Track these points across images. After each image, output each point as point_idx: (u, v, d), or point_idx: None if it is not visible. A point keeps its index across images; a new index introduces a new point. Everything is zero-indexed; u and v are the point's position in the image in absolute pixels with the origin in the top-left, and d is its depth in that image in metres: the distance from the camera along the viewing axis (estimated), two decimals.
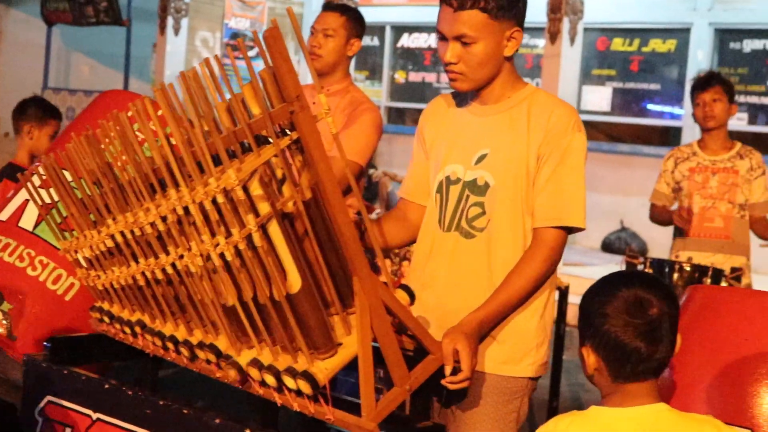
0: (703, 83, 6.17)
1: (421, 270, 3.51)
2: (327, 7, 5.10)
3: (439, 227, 3.47)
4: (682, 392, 2.91)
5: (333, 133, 2.78)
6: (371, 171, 14.92)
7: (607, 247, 13.37)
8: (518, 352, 3.34)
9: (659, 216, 6.35)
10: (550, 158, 3.29)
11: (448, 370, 3.04)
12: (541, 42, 13.18)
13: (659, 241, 12.57)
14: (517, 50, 3.38)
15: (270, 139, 2.73)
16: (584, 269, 11.66)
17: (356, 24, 5.04)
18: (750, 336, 2.86)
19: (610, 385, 2.56)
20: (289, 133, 2.73)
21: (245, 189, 2.74)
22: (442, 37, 3.35)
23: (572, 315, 10.05)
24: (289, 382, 2.83)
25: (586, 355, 2.59)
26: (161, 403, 3.18)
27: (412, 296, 3.10)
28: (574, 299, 10.45)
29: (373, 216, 8.67)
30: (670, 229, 6.38)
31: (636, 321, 2.50)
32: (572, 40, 11.71)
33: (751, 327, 2.89)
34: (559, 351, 5.98)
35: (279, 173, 2.86)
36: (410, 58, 16.65)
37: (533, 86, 3.48)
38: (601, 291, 2.60)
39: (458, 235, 3.42)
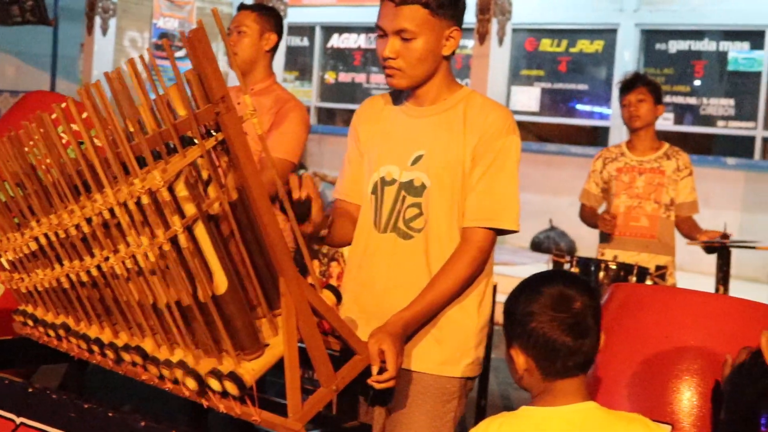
0: (629, 84, 6.23)
1: (357, 270, 3.51)
2: (240, 7, 5.15)
3: (374, 228, 3.47)
4: (606, 389, 2.95)
5: (259, 134, 2.78)
6: (301, 172, 14.91)
7: (536, 246, 13.47)
8: (457, 352, 3.35)
9: (588, 217, 6.41)
10: (484, 159, 3.31)
11: (374, 369, 3.04)
12: (470, 42, 13.24)
13: (588, 240, 12.69)
14: (455, 50, 3.40)
15: (195, 141, 2.72)
16: (514, 268, 11.75)
17: (269, 18, 5.05)
18: (671, 333, 2.90)
19: (540, 384, 2.57)
20: (214, 134, 2.72)
21: (170, 190, 2.73)
22: (382, 34, 3.36)
23: (500, 314, 10.13)
24: (214, 383, 2.82)
25: (515, 356, 2.60)
26: (86, 406, 3.15)
27: (338, 297, 3.11)
28: (503, 298, 10.53)
29: None
30: (598, 229, 6.44)
31: (562, 315, 2.51)
32: (501, 40, 11.77)
33: (673, 324, 2.93)
34: (488, 350, 6.01)
35: (205, 174, 2.85)
36: (340, 58, 16.64)
37: (469, 88, 3.49)
38: (524, 291, 2.62)
39: (395, 236, 3.42)
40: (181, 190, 2.74)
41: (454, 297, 3.31)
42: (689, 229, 6.18)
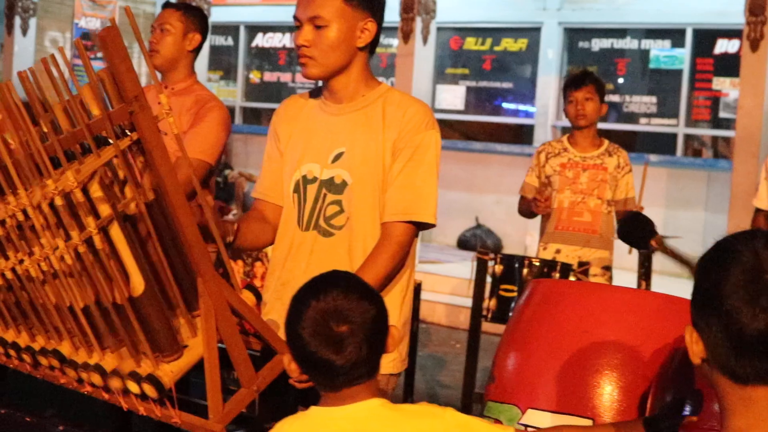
0: (577, 81, 6.27)
1: (280, 269, 3.51)
2: (165, 5, 5.10)
3: (297, 227, 3.48)
4: (526, 385, 2.95)
5: (175, 134, 2.75)
6: (227, 171, 14.82)
7: (463, 244, 13.52)
8: None
9: (526, 208, 6.41)
10: (403, 154, 3.33)
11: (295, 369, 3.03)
12: (395, 41, 13.25)
13: (514, 238, 12.79)
14: (369, 44, 3.41)
15: (110, 141, 2.69)
16: (440, 266, 11.77)
17: (194, 18, 5.01)
18: (590, 328, 2.92)
19: (322, 390, 2.54)
20: (129, 133, 2.70)
21: (85, 191, 2.70)
22: (299, 25, 3.39)
23: (426, 311, 10.16)
24: (132, 386, 2.79)
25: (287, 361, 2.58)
26: (3, 411, 3.11)
27: (258, 297, 3.09)
28: (431, 296, 10.55)
29: (230, 217, 8.61)
30: (525, 226, 6.47)
31: (324, 339, 2.43)
32: (425, 39, 11.80)
33: (592, 319, 2.95)
34: (414, 347, 6.02)
35: (122, 175, 2.82)
36: (265, 57, 16.58)
37: (388, 85, 3.53)
38: (297, 304, 2.51)
39: (317, 233, 3.43)
40: (96, 191, 2.71)
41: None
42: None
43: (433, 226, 3.40)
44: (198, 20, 5.03)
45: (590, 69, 13.34)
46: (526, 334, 3.04)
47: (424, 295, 10.27)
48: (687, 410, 2.51)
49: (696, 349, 1.92)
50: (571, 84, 6.29)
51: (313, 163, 3.46)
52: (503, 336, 3.15)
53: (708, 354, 1.90)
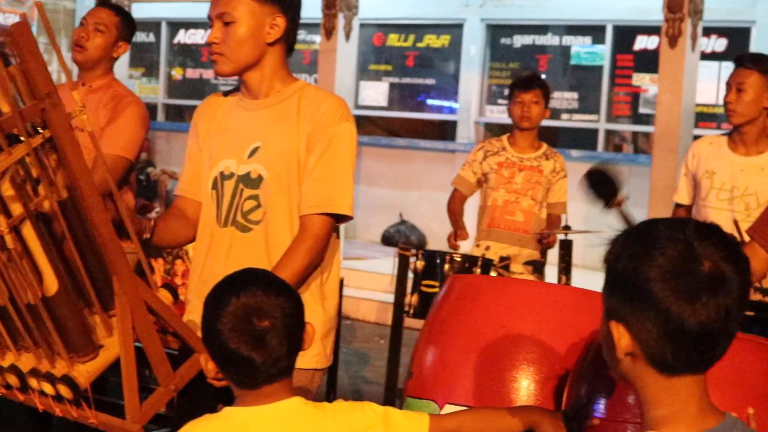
0: (526, 83, 6.32)
1: (201, 267, 3.51)
2: (103, 3, 5.04)
3: (216, 223, 3.48)
4: (444, 380, 2.96)
5: (89, 131, 2.73)
6: (149, 169, 14.70)
7: (387, 240, 13.54)
8: None
9: (453, 207, 6.42)
10: (317, 147, 3.36)
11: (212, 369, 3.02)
12: (318, 38, 13.22)
13: (438, 234, 12.81)
14: (284, 40, 3.43)
15: (21, 138, 2.65)
16: (364, 263, 11.78)
17: (128, 27, 4.99)
18: (507, 323, 2.93)
19: (237, 389, 2.51)
20: (41, 131, 2.66)
21: None
22: (212, 24, 3.42)
23: (350, 308, 10.16)
24: (47, 387, 2.76)
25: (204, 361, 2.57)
26: None
27: (175, 296, 3.07)
28: (355, 292, 10.54)
29: (153, 215, 8.54)
30: (448, 222, 6.50)
31: (244, 335, 2.42)
32: (347, 35, 11.78)
33: (508, 314, 2.96)
34: (337, 344, 6.01)
35: (34, 173, 2.78)
36: (187, 54, 16.46)
37: (304, 81, 3.56)
38: (214, 302, 2.50)
39: (235, 229, 3.44)
40: (7, 189, 2.67)
41: (295, 287, 3.32)
42: (550, 227, 6.30)
43: (350, 218, 3.42)
44: (131, 31, 5.02)
45: (512, 66, 13.57)
46: (444, 330, 3.04)
47: (348, 292, 10.31)
48: (598, 410, 2.54)
49: (623, 344, 1.87)
50: (519, 85, 6.34)
51: (230, 159, 3.47)
52: (421, 332, 3.16)
53: (637, 348, 1.86)
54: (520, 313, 2.96)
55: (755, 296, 5.06)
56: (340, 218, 3.41)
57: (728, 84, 5.22)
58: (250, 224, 3.41)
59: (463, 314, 3.04)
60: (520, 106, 6.25)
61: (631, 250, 1.87)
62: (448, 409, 2.88)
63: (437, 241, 12.75)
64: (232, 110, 3.55)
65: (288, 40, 3.49)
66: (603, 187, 5.25)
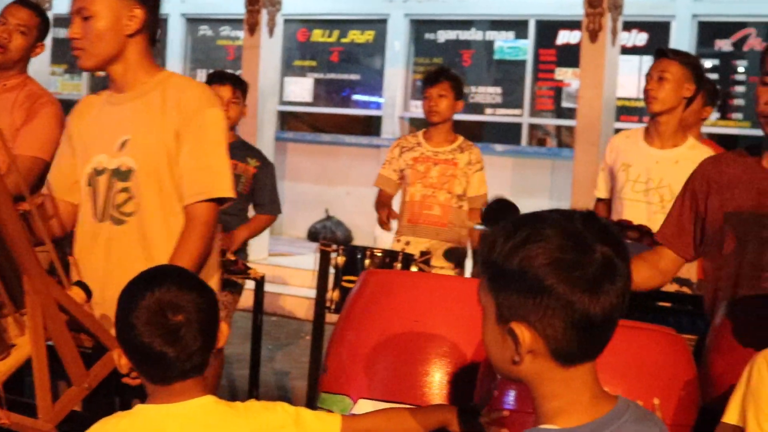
0: (432, 78, 6.34)
1: (83, 263, 3.53)
2: (22, 2, 4.94)
3: (94, 219, 3.54)
4: (356, 375, 2.98)
5: None
6: None
7: (313, 236, 13.52)
8: None
9: (380, 205, 6.44)
10: (187, 136, 3.45)
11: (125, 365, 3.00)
12: (241, 34, 13.16)
13: (364, 229, 12.84)
14: (145, 31, 3.48)
15: None
16: (291, 259, 11.77)
17: (46, 28, 4.96)
18: (419, 317, 2.96)
19: (149, 385, 2.51)
20: None
21: None
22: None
23: (276, 304, 10.14)
24: None
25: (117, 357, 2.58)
26: None
27: (88, 293, 3.05)
28: (281, 288, 10.50)
29: None
30: (374, 217, 6.52)
31: (159, 329, 2.42)
32: (271, 31, 11.71)
33: (421, 308, 2.99)
34: (258, 341, 6.01)
35: None
36: None
37: (169, 71, 3.66)
38: (129, 297, 2.50)
39: (111, 223, 3.51)
40: None
41: None
42: (473, 221, 6.33)
43: (232, 199, 3.53)
44: (47, 31, 4.97)
45: (436, 61, 13.61)
46: (358, 325, 3.06)
47: (274, 288, 10.30)
48: (508, 402, 2.57)
49: (527, 343, 1.84)
50: (427, 80, 6.38)
51: (101, 154, 3.54)
52: (335, 327, 3.17)
53: (540, 344, 1.84)
54: (432, 308, 2.98)
55: (672, 287, 5.13)
56: (222, 200, 3.50)
57: (649, 74, 5.29)
58: (124, 217, 3.48)
59: (376, 309, 3.06)
60: (428, 101, 6.29)
61: (522, 247, 1.84)
62: (362, 404, 2.89)
63: (363, 237, 12.77)
64: (102, 106, 3.63)
65: (149, 31, 3.54)
66: (500, 217, 5.31)
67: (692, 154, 5.17)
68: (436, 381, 2.89)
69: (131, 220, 3.45)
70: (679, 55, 5.28)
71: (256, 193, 6.27)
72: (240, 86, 6.32)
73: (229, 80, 6.31)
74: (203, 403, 2.49)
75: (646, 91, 5.25)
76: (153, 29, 3.56)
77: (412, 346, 2.93)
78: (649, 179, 5.26)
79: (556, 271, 1.81)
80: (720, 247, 3.40)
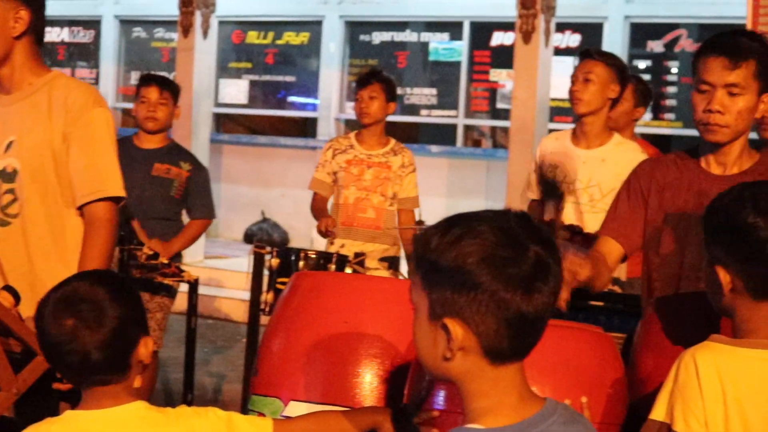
0: (363, 80, 6.34)
1: None
2: None
3: None
4: (287, 377, 2.97)
5: None
6: None
7: (250, 238, 13.47)
8: None
9: (316, 209, 6.42)
10: (75, 136, 3.46)
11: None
12: (176, 36, 13.10)
13: (300, 231, 12.81)
14: (31, 32, 3.50)
15: None
16: (226, 261, 11.72)
17: None
18: (350, 318, 2.96)
19: (83, 391, 2.49)
20: None
21: None
22: None
23: (212, 307, 10.10)
24: None
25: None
26: None
27: (16, 297, 3.02)
28: (217, 291, 10.45)
29: None
30: (311, 219, 6.50)
31: (62, 327, 2.42)
32: (205, 33, 11.66)
33: (351, 310, 2.99)
34: (192, 344, 5.98)
35: None
36: (44, 53, 16.09)
37: (58, 72, 3.66)
38: (43, 303, 2.49)
39: None
40: None
41: None
42: (404, 222, 6.34)
43: (124, 198, 3.53)
44: None
45: (371, 62, 13.61)
46: (289, 327, 3.06)
47: (210, 291, 10.26)
48: (438, 402, 2.57)
49: (459, 340, 1.86)
50: (358, 82, 6.38)
51: None
52: (266, 330, 3.17)
53: (473, 341, 1.85)
54: (362, 309, 2.99)
55: (612, 286, 5.19)
56: (118, 199, 3.53)
57: (575, 75, 5.35)
58: (9, 218, 3.51)
59: (306, 311, 3.05)
60: (359, 103, 6.30)
61: (456, 245, 1.85)
62: (293, 406, 2.89)
63: (300, 239, 12.74)
64: None
65: (35, 32, 3.55)
66: None
67: (618, 150, 5.26)
68: (367, 382, 2.89)
69: (15, 222, 3.48)
70: (604, 57, 5.36)
71: (190, 198, 6.21)
72: (168, 87, 6.26)
73: (154, 81, 6.26)
74: (133, 408, 2.48)
75: (571, 92, 5.32)
76: (39, 30, 3.57)
77: (343, 347, 2.93)
78: (577, 180, 5.32)
79: (490, 267, 1.82)
80: (657, 247, 3.42)
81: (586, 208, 5.20)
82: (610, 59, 5.35)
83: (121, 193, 3.49)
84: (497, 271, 1.82)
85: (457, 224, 1.89)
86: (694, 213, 3.23)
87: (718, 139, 3.31)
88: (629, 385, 2.90)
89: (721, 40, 3.30)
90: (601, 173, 5.21)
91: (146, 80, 6.26)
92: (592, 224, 4.84)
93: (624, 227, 3.50)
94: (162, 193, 6.11)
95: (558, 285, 1.88)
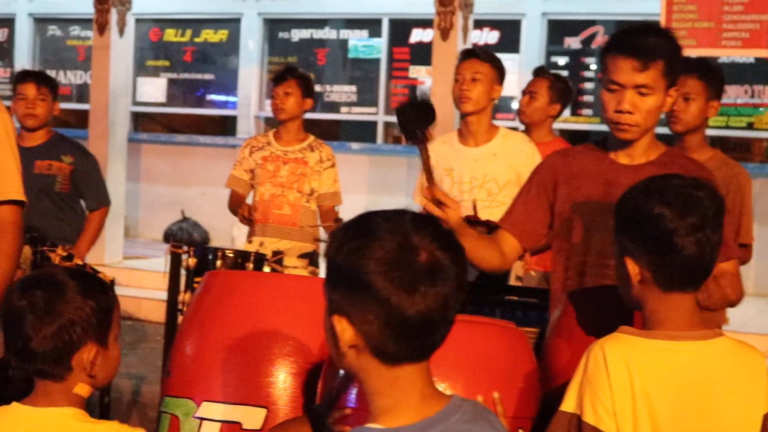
0: (278, 77, 6.34)
1: None
2: None
3: None
4: (199, 377, 2.95)
5: None
6: None
7: (170, 238, 13.35)
8: None
9: (234, 205, 6.39)
10: None
11: None
12: (92, 33, 12.95)
13: (221, 230, 12.74)
14: None
15: None
16: (146, 261, 11.61)
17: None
18: (262, 317, 2.94)
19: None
20: None
21: None
22: None
23: (132, 308, 9.99)
24: None
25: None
26: None
27: None
28: (136, 292, 10.33)
29: None
30: (231, 218, 6.47)
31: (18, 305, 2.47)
32: (121, 31, 11.52)
33: (264, 309, 2.98)
34: None
35: None
36: None
37: None
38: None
39: None
40: None
41: (13, 274, 3.46)
42: (326, 219, 6.32)
43: (24, 202, 3.56)
44: None
45: (291, 60, 13.57)
46: (201, 327, 3.04)
47: (130, 291, 10.15)
48: (350, 400, 2.57)
49: (346, 337, 1.88)
50: (273, 79, 6.38)
51: None
52: (179, 330, 3.14)
53: (360, 340, 1.87)
54: (275, 307, 2.98)
55: (516, 282, 5.23)
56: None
57: (461, 74, 5.40)
58: None
59: (219, 311, 3.03)
60: (274, 99, 6.29)
61: (350, 244, 1.88)
62: (206, 406, 2.87)
63: (221, 238, 12.67)
64: None
65: None
66: (418, 115, 5.02)
67: (507, 142, 5.36)
68: (280, 381, 2.88)
69: None
70: (490, 57, 5.44)
71: (80, 189, 6.20)
72: (46, 83, 6.21)
73: (32, 77, 6.23)
74: (64, 413, 2.47)
75: (459, 91, 5.35)
76: None
77: (256, 347, 2.91)
78: (472, 178, 5.37)
79: (377, 269, 1.84)
80: (569, 237, 3.46)
81: (486, 204, 5.25)
82: (495, 60, 5.46)
83: (21, 197, 3.51)
84: (382, 272, 1.83)
85: (356, 224, 1.92)
86: (601, 201, 3.28)
87: (629, 137, 3.37)
88: (544, 379, 2.92)
89: (630, 40, 3.31)
90: (495, 167, 5.30)
91: (23, 76, 6.22)
92: (493, 218, 4.88)
93: (521, 221, 3.54)
94: (47, 191, 6.10)
95: (452, 289, 1.88)
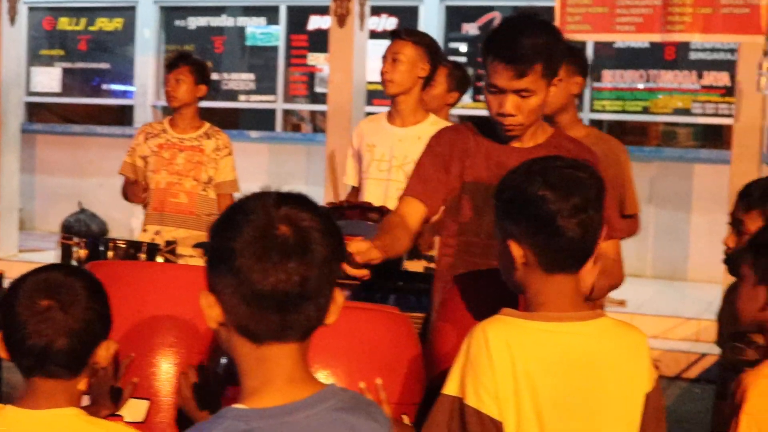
0: (170, 64, 6.29)
1: None
2: None
3: None
4: None
5: None
6: None
7: (67, 229, 13.17)
8: None
9: (128, 190, 6.30)
10: None
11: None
12: None
13: (119, 221, 12.60)
14: None
15: None
16: (42, 254, 11.43)
17: None
18: (143, 308, 2.91)
19: (25, 382, 2.46)
20: None
21: None
22: None
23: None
24: None
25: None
26: None
27: None
28: None
29: None
30: (129, 209, 6.40)
31: (33, 308, 2.40)
32: (13, 20, 11.31)
33: (145, 298, 2.94)
34: None
35: None
36: None
37: None
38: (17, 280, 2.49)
39: None
40: None
41: None
42: (223, 207, 6.25)
43: None
44: None
45: (188, 48, 13.44)
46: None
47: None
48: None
49: (213, 314, 1.91)
50: (166, 66, 6.32)
51: None
52: None
53: (225, 317, 1.89)
54: (157, 297, 2.94)
55: (419, 263, 5.21)
56: None
57: (384, 56, 5.37)
58: None
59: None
60: (166, 86, 6.24)
61: (221, 224, 1.93)
62: (86, 400, 2.82)
63: (119, 228, 12.53)
64: None
65: None
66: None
67: (434, 129, 5.26)
68: (164, 372, 2.85)
69: None
70: (412, 36, 5.38)
71: None
72: None
73: None
74: (66, 414, 2.41)
75: (382, 73, 5.33)
76: None
77: (138, 337, 2.87)
78: (392, 157, 5.33)
79: (236, 244, 1.87)
80: (457, 215, 3.47)
81: (402, 185, 5.22)
82: (417, 38, 5.37)
83: None
84: (239, 248, 1.86)
85: (230, 208, 1.96)
86: (491, 183, 3.28)
87: (515, 135, 3.42)
88: (429, 364, 2.92)
89: (506, 45, 3.30)
90: (417, 150, 5.19)
91: None
92: None
93: (427, 188, 3.54)
94: None
95: (315, 263, 1.88)
